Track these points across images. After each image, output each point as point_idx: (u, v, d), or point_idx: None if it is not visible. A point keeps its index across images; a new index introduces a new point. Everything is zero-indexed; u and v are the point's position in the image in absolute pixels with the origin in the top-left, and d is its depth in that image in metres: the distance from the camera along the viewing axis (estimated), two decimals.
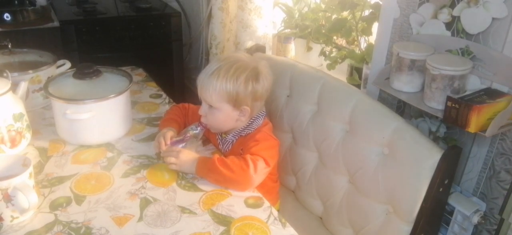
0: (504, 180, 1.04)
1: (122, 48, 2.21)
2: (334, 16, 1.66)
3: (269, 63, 1.16)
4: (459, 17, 1.04)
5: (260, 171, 1.00)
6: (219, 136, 1.18)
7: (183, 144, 1.07)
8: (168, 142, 1.06)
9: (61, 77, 1.19)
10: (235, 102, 1.05)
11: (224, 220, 0.89)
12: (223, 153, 1.15)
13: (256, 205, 0.94)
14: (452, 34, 1.07)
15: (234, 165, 0.98)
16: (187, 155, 1.03)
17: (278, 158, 1.12)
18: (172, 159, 1.02)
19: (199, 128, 1.10)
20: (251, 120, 1.11)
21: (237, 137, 1.14)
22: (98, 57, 2.06)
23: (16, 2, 2.05)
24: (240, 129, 1.12)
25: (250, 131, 1.11)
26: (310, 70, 1.28)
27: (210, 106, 1.07)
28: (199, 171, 1.01)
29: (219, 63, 1.06)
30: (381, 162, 1.02)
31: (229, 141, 1.15)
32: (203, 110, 1.09)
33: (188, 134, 1.09)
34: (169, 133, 1.09)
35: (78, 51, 2.10)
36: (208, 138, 1.21)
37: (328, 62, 1.65)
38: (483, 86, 1.01)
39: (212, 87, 1.04)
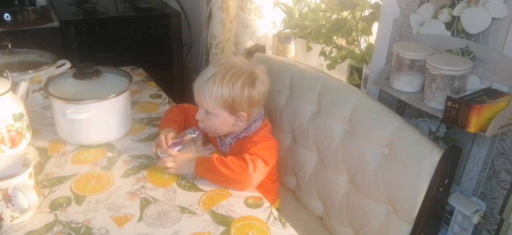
0: (504, 180, 1.04)
1: (122, 48, 2.21)
2: (334, 16, 1.66)
3: (269, 63, 1.16)
4: (459, 17, 1.04)
5: (259, 170, 1.00)
6: (218, 139, 1.18)
7: (180, 146, 1.07)
8: (169, 142, 1.06)
9: (61, 77, 1.19)
10: (231, 108, 1.05)
11: (224, 220, 0.89)
12: (221, 155, 1.15)
13: (256, 205, 0.94)
14: (452, 34, 1.07)
15: (233, 165, 0.98)
16: (184, 157, 1.03)
17: (277, 159, 1.12)
18: (171, 163, 1.02)
19: (196, 132, 1.11)
20: (249, 123, 1.11)
21: (235, 139, 1.14)
22: (98, 57, 2.06)
23: (16, 2, 2.05)
24: (238, 132, 1.12)
25: (248, 134, 1.11)
26: (310, 70, 1.28)
27: (207, 112, 1.07)
28: (198, 171, 1.01)
29: (215, 69, 1.06)
30: (381, 162, 1.02)
31: (228, 144, 1.15)
32: (200, 115, 1.10)
33: (186, 138, 1.09)
34: (170, 134, 1.09)
35: (78, 51, 2.10)
36: (208, 139, 1.21)
37: (328, 62, 1.65)
38: (483, 86, 1.01)
39: (208, 93, 1.04)
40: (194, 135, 1.10)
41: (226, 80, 1.03)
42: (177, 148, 1.06)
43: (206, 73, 1.07)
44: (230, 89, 1.03)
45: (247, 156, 1.00)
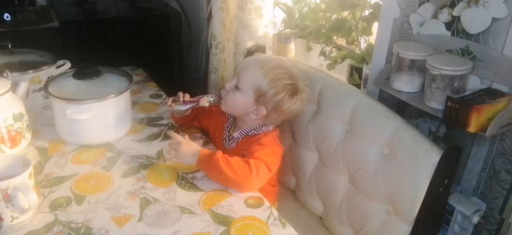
0: (504, 180, 1.04)
1: (122, 48, 2.20)
2: (334, 16, 1.66)
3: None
4: (459, 17, 1.04)
5: (262, 177, 1.00)
6: (227, 133, 1.18)
7: (194, 103, 1.13)
8: (185, 98, 1.13)
9: (61, 77, 1.19)
10: (259, 97, 1.07)
11: (224, 220, 0.89)
12: (227, 150, 1.15)
13: (256, 205, 0.94)
14: (452, 34, 1.07)
15: (238, 167, 0.97)
16: (188, 147, 1.01)
17: (280, 164, 1.12)
18: (172, 151, 1.02)
19: (214, 97, 1.15)
20: (262, 124, 1.12)
21: (243, 135, 1.14)
22: (98, 57, 2.04)
23: (16, 2, 2.05)
24: (248, 129, 1.12)
25: (257, 133, 1.12)
26: (310, 70, 1.28)
27: (236, 86, 1.10)
28: (201, 164, 1.00)
29: (271, 58, 1.11)
30: (381, 162, 1.02)
31: (235, 139, 1.15)
32: (229, 84, 1.12)
33: (203, 98, 1.14)
34: (187, 95, 1.15)
35: (78, 51, 2.10)
36: (214, 135, 1.22)
37: (328, 62, 1.65)
38: (483, 86, 1.01)
39: (252, 72, 1.08)
40: (211, 99, 1.14)
41: (272, 74, 1.06)
42: (190, 105, 1.12)
43: (262, 55, 1.13)
44: (269, 83, 1.06)
45: (252, 162, 0.99)
